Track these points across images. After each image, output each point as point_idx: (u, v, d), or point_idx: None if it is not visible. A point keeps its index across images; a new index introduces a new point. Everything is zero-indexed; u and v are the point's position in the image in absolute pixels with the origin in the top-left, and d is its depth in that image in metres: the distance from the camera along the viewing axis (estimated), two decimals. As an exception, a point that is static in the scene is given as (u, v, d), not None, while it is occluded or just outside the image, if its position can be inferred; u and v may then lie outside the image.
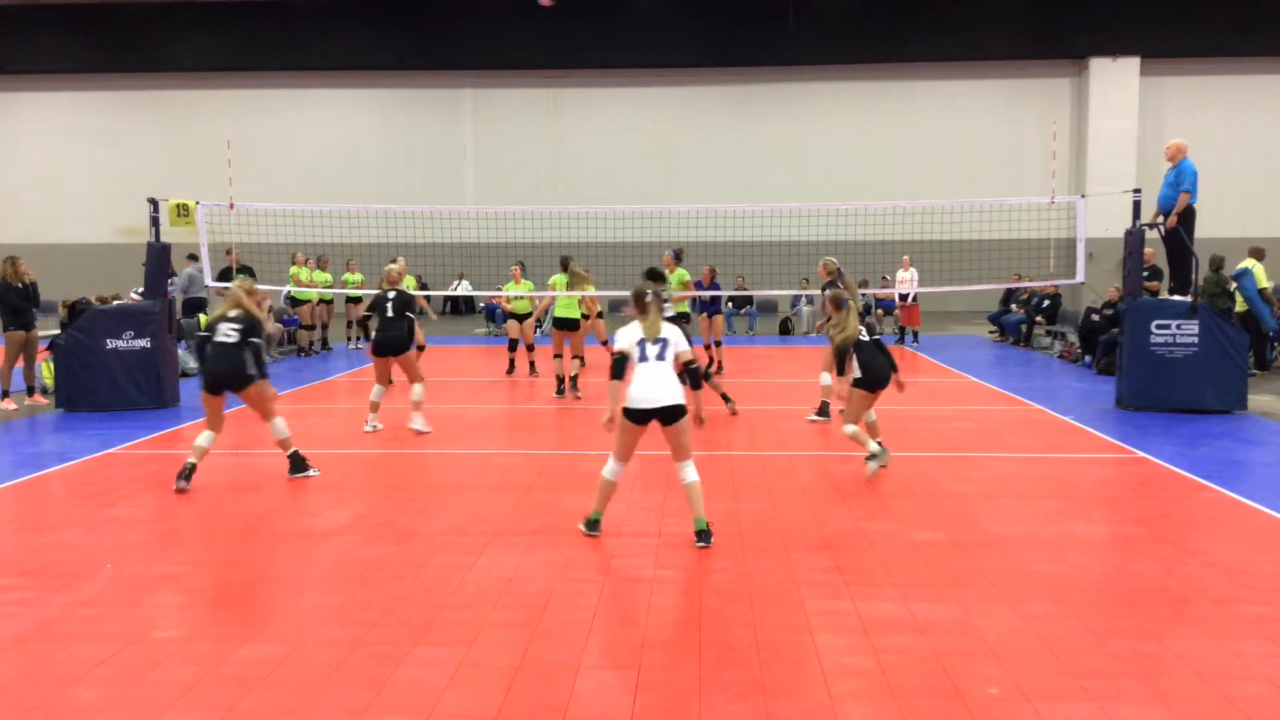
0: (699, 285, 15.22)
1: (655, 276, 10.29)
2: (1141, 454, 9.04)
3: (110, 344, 11.86)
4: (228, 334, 8.04)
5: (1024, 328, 19.58)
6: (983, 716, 4.02)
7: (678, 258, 13.30)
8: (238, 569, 5.95)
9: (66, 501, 7.78)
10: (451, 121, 28.79)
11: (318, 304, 18.75)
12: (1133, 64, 26.69)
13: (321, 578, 5.78)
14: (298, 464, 8.30)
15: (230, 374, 8.00)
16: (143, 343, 11.95)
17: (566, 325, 12.60)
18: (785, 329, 23.29)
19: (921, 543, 6.38)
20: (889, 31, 27.06)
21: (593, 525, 6.56)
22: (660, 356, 6.32)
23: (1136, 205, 11.99)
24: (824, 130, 27.85)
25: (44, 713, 4.12)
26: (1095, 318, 15.80)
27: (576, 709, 4.11)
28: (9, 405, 11.95)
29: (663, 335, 6.35)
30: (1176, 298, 11.72)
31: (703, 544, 6.21)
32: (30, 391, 12.47)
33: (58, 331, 12.78)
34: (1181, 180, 11.65)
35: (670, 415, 6.30)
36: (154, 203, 12.84)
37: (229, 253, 15.76)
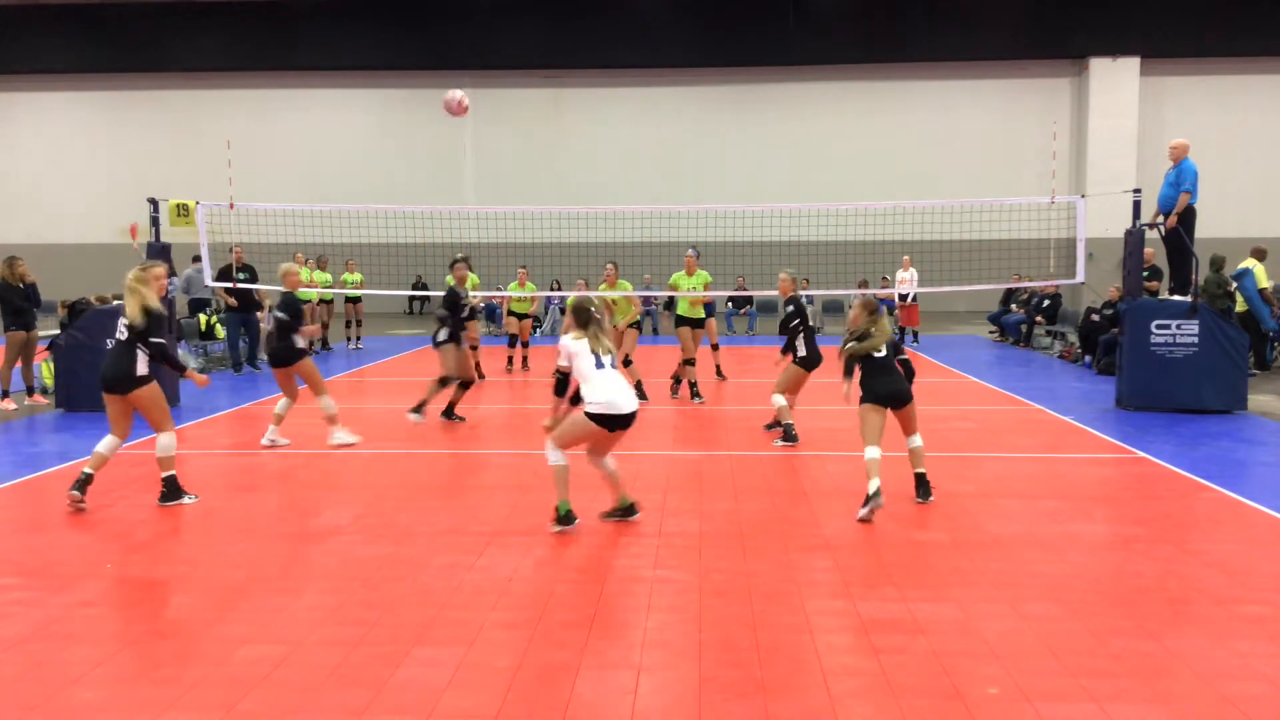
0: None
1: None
2: (1141, 454, 9.04)
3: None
4: (120, 331, 7.34)
5: (1024, 328, 19.58)
6: (983, 716, 4.02)
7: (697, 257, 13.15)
8: (238, 569, 5.95)
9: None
10: (451, 121, 28.67)
11: (318, 304, 18.75)
12: (1133, 64, 26.70)
13: (321, 578, 5.78)
14: (172, 491, 7.42)
15: (114, 377, 7.25)
16: (143, 343, 11.94)
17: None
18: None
19: (921, 543, 6.38)
20: (889, 31, 27.06)
21: (566, 519, 6.62)
22: (613, 364, 6.62)
23: (1136, 205, 12.00)
24: (824, 130, 27.85)
25: (44, 713, 4.12)
26: (1095, 318, 15.80)
27: (576, 709, 4.11)
28: (9, 405, 11.95)
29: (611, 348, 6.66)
30: (1176, 298, 11.72)
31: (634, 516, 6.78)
32: (30, 391, 12.47)
33: (57, 331, 12.78)
34: (1182, 180, 11.65)
35: (630, 422, 6.63)
36: (154, 203, 12.84)
37: (231, 250, 15.76)
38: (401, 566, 5.92)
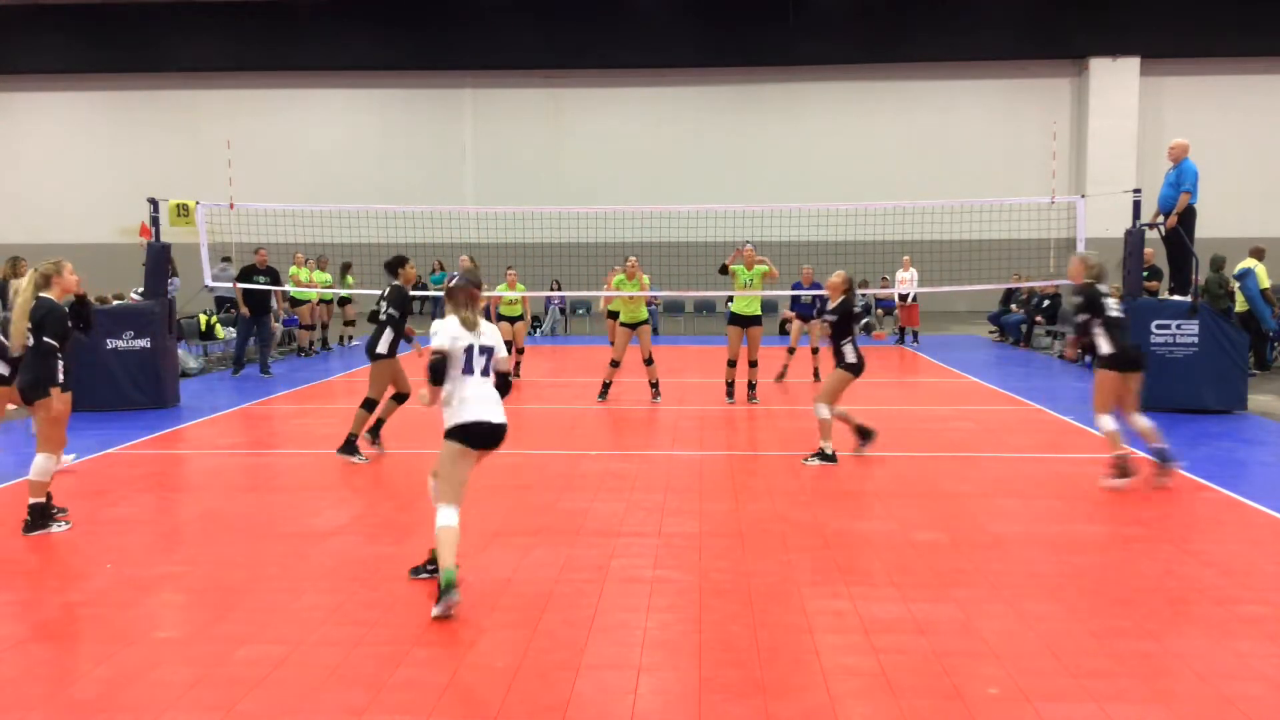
0: (798, 285, 15.21)
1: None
2: (1142, 454, 9.03)
3: (110, 344, 11.86)
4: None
5: (1024, 328, 19.58)
6: (983, 716, 4.02)
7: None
8: (238, 569, 5.95)
9: (66, 501, 7.77)
10: (451, 121, 28.78)
11: (318, 304, 18.76)
12: (1133, 64, 26.68)
13: (321, 578, 5.78)
14: (36, 519, 6.65)
15: (21, 384, 6.77)
16: (143, 343, 11.96)
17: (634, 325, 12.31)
18: (784, 329, 23.28)
19: (921, 543, 6.38)
20: (889, 32, 27.05)
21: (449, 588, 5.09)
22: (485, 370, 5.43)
23: (1136, 205, 12.00)
24: (824, 130, 27.84)
25: (44, 713, 4.12)
26: (1095, 318, 15.77)
27: (576, 709, 4.11)
28: (10, 405, 11.94)
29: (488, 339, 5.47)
30: (1176, 298, 11.73)
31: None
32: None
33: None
34: (1182, 180, 11.65)
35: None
36: (154, 203, 12.85)
37: (256, 252, 15.78)
38: (401, 566, 5.92)
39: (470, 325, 5.35)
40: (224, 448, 9.99)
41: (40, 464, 6.71)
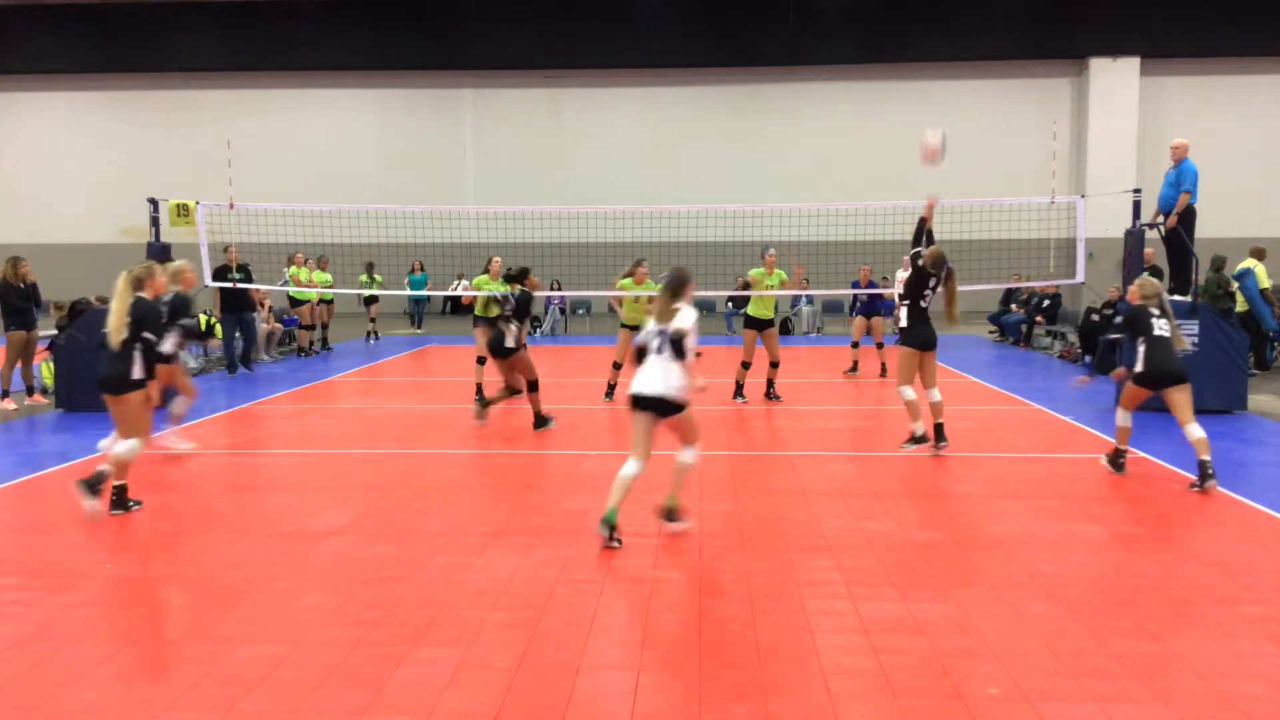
0: (855, 285, 15.25)
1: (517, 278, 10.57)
2: (1141, 454, 9.03)
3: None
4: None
5: (1024, 328, 19.58)
6: (983, 716, 4.02)
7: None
8: (238, 569, 5.95)
9: (66, 501, 7.77)
10: (451, 121, 28.78)
11: (318, 304, 18.76)
12: (1133, 64, 26.68)
13: (321, 578, 5.78)
14: (121, 500, 7.16)
15: (104, 375, 7.29)
16: (143, 343, 11.93)
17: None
18: (785, 329, 23.29)
19: (921, 543, 6.38)
20: (889, 32, 27.05)
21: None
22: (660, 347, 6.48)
23: (1136, 205, 12.00)
24: (824, 130, 27.84)
25: (44, 713, 4.12)
26: (1095, 318, 15.80)
27: (576, 709, 4.11)
28: (9, 405, 11.95)
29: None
30: (1176, 297, 11.72)
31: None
32: (30, 391, 12.47)
33: (55, 332, 12.77)
34: (1182, 180, 11.66)
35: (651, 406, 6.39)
36: (154, 203, 12.86)
37: (226, 250, 15.71)
38: (401, 566, 5.92)
39: (663, 317, 6.56)
40: (224, 448, 9.99)
41: (133, 447, 7.19)
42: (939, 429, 9.10)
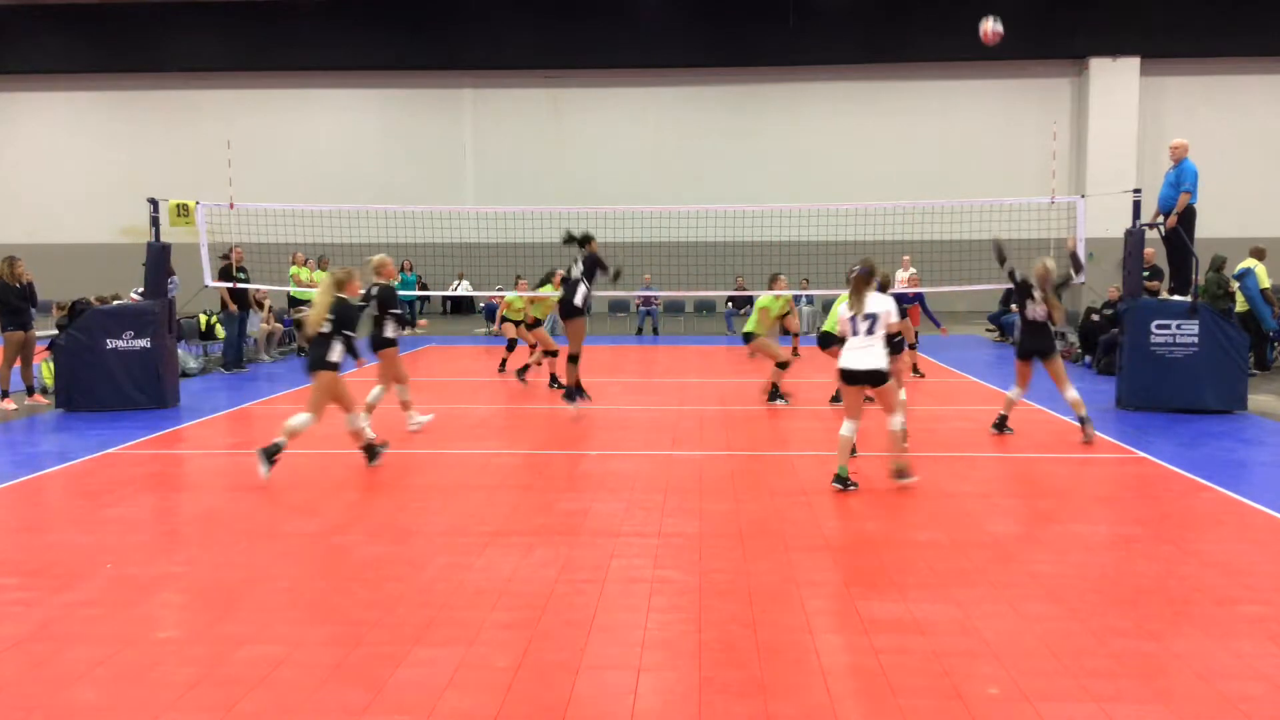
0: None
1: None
2: (1141, 454, 9.04)
3: (110, 344, 11.86)
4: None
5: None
6: (983, 716, 4.02)
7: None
8: (238, 569, 5.95)
9: (66, 501, 7.78)
10: (451, 121, 28.76)
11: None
12: (1133, 64, 26.67)
13: (321, 578, 5.79)
14: (270, 453, 8.12)
15: (311, 359, 8.40)
16: (143, 343, 11.95)
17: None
18: (785, 329, 23.27)
19: (921, 543, 6.38)
20: (889, 32, 27.04)
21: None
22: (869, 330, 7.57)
23: (1136, 205, 12.00)
24: (824, 130, 27.83)
25: (44, 713, 4.12)
26: (1095, 318, 15.80)
27: (576, 709, 4.11)
28: (9, 405, 11.95)
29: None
30: (1176, 298, 11.73)
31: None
32: (30, 391, 12.47)
33: (55, 332, 12.77)
34: (1182, 180, 11.66)
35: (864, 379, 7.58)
36: (154, 203, 12.85)
37: (229, 253, 15.72)
38: (401, 566, 5.93)
39: (856, 305, 7.61)
40: (224, 448, 9.99)
41: (303, 420, 8.14)
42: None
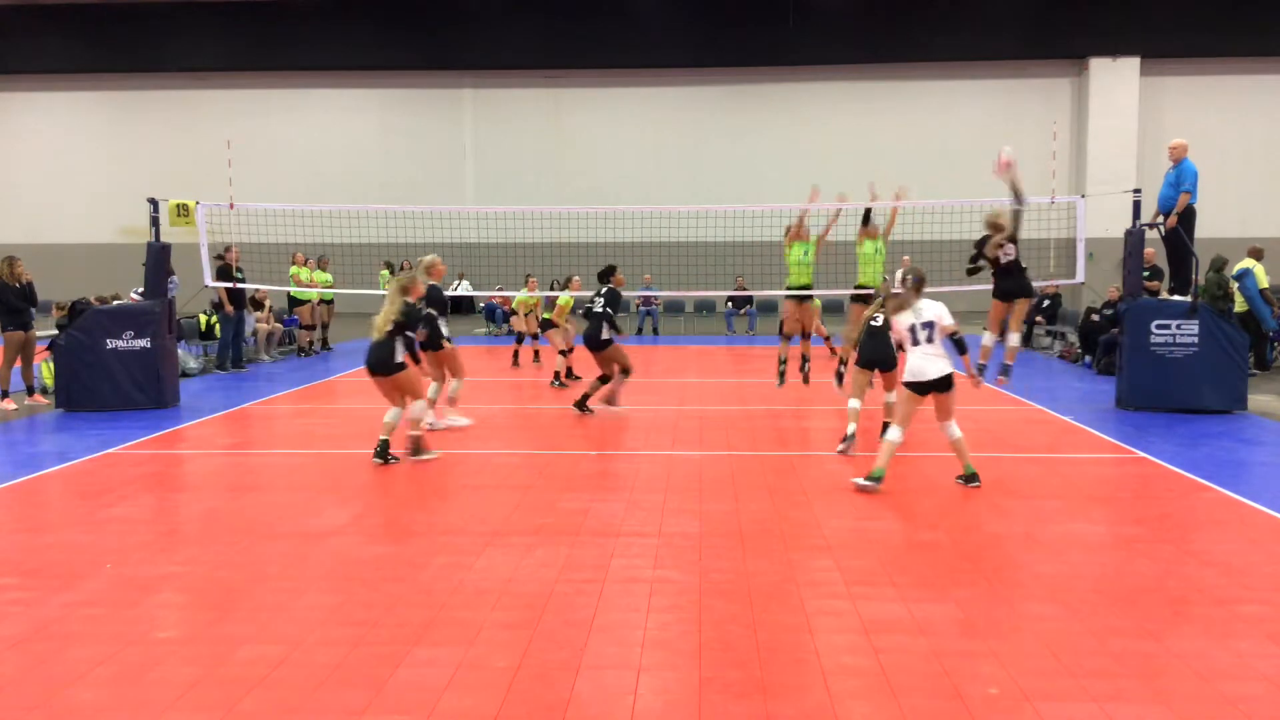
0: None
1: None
2: (1141, 454, 9.04)
3: (110, 344, 11.85)
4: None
5: (1024, 328, 19.57)
6: (983, 716, 4.02)
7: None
8: (238, 569, 5.95)
9: (66, 501, 7.78)
10: (451, 121, 28.77)
11: (318, 304, 18.75)
12: (1133, 64, 26.67)
13: (321, 578, 5.78)
14: (417, 447, 8.97)
15: (372, 361, 8.89)
16: (143, 343, 11.95)
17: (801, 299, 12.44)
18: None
19: (921, 543, 6.38)
20: (889, 32, 27.04)
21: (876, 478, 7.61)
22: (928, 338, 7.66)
23: (1136, 205, 11.99)
24: (824, 130, 27.83)
25: (44, 713, 4.12)
26: (1095, 318, 15.80)
27: (576, 709, 4.11)
28: (9, 405, 11.95)
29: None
30: (1176, 298, 11.72)
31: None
32: (30, 391, 12.47)
33: (55, 332, 12.76)
34: (1182, 180, 11.65)
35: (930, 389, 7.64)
36: (154, 203, 12.85)
37: (227, 251, 15.68)
38: (401, 566, 5.93)
39: (908, 311, 7.74)
40: (224, 448, 9.99)
41: (422, 406, 9.07)
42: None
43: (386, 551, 6.25)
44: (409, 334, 8.85)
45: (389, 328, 8.72)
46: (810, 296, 12.55)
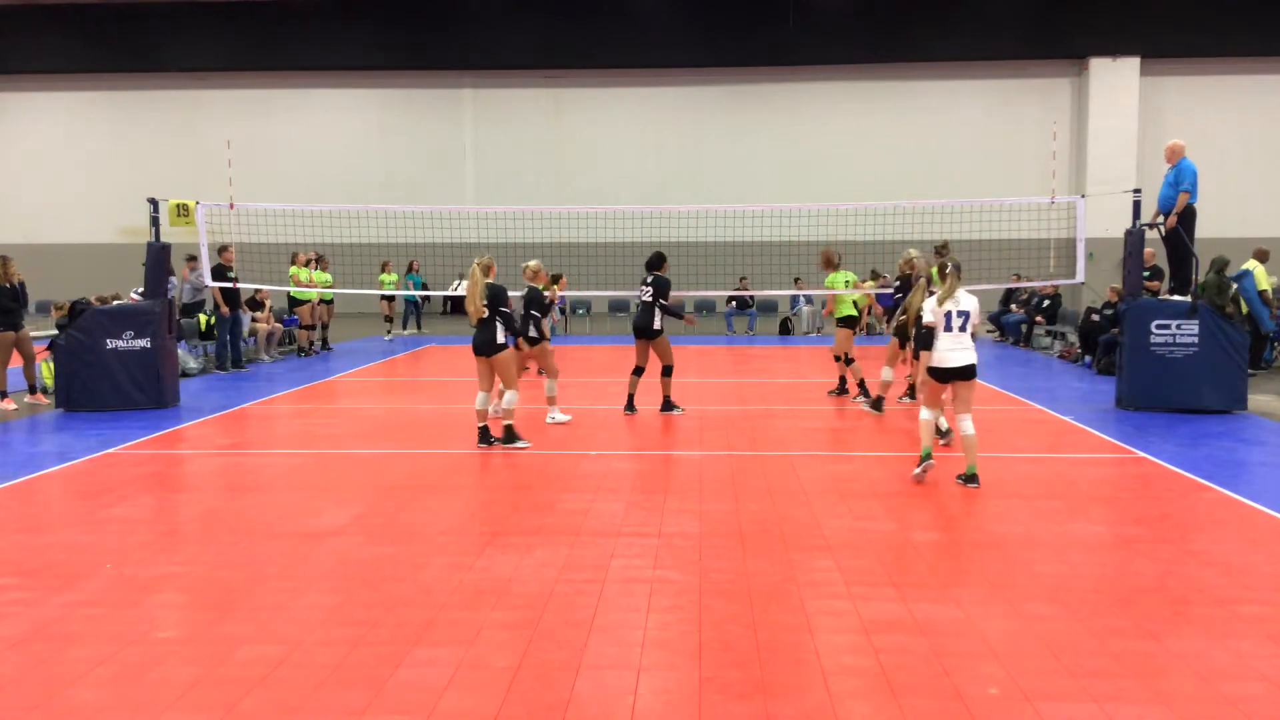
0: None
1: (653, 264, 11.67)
2: (1141, 454, 9.04)
3: (110, 344, 11.86)
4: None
5: (1024, 328, 19.58)
6: (983, 716, 4.02)
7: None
8: (238, 569, 5.95)
9: (66, 501, 7.78)
10: (451, 121, 28.77)
11: (318, 304, 18.75)
12: (1133, 64, 26.68)
13: (321, 578, 5.78)
14: (510, 435, 9.38)
15: (478, 342, 9.31)
16: (143, 343, 11.95)
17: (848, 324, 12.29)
18: (785, 329, 23.29)
19: (921, 543, 6.38)
20: (889, 32, 27.05)
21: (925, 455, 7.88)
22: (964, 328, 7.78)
23: (1136, 205, 12.00)
24: (824, 130, 27.84)
25: (44, 713, 4.12)
26: (1095, 318, 15.81)
27: (576, 709, 4.11)
28: (9, 405, 11.95)
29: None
30: (1176, 298, 11.73)
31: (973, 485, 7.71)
32: (30, 391, 12.47)
33: (55, 331, 12.76)
34: (1181, 180, 11.65)
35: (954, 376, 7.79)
36: (154, 203, 12.85)
37: (222, 251, 15.66)
38: (401, 566, 5.93)
39: (949, 298, 7.80)
40: (224, 448, 9.99)
41: (514, 396, 9.51)
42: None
43: (386, 551, 6.24)
44: (504, 309, 9.22)
45: (483, 312, 9.14)
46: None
